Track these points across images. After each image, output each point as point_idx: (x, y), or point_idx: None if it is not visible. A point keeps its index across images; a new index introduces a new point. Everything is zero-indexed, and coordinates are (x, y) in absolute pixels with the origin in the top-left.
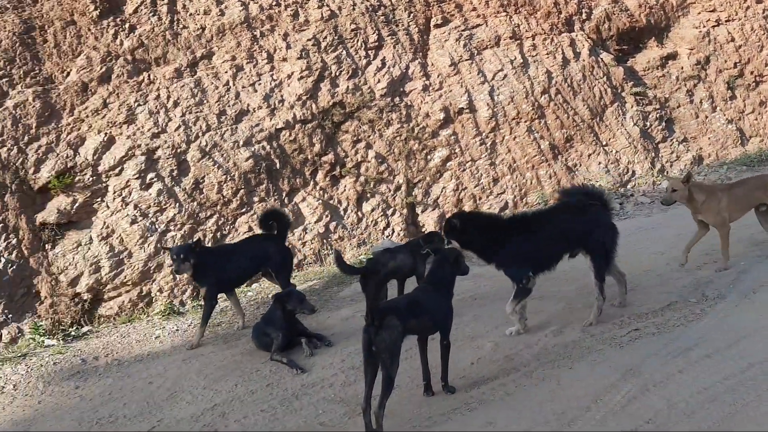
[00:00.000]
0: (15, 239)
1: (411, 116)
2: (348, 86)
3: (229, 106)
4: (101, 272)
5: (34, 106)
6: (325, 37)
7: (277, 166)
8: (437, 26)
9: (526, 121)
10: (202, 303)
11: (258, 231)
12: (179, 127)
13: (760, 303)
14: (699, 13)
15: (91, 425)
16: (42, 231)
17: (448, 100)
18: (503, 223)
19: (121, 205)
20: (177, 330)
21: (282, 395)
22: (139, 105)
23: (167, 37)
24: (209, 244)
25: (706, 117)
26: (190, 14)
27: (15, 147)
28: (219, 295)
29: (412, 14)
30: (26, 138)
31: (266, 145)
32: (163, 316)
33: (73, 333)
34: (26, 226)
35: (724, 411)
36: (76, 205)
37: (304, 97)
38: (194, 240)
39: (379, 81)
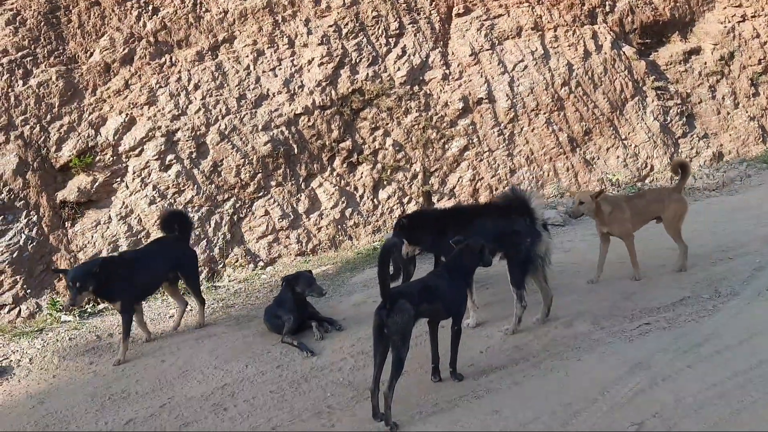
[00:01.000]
0: (36, 216)
1: (430, 105)
2: (368, 73)
3: (249, 90)
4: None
5: (57, 85)
6: (347, 24)
7: (295, 151)
8: (459, 15)
9: (545, 113)
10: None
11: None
12: (199, 109)
13: None
14: (724, 8)
15: (104, 400)
16: (62, 209)
17: (467, 89)
18: (441, 215)
19: (141, 186)
20: (191, 310)
21: (291, 377)
22: (160, 87)
23: (190, 20)
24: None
25: (728, 113)
26: None
27: (38, 125)
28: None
29: (434, 3)
30: (49, 117)
31: (285, 130)
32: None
33: (89, 310)
34: (47, 204)
35: (732, 407)
36: (96, 184)
37: (323, 83)
38: (99, 259)
39: (398, 69)
